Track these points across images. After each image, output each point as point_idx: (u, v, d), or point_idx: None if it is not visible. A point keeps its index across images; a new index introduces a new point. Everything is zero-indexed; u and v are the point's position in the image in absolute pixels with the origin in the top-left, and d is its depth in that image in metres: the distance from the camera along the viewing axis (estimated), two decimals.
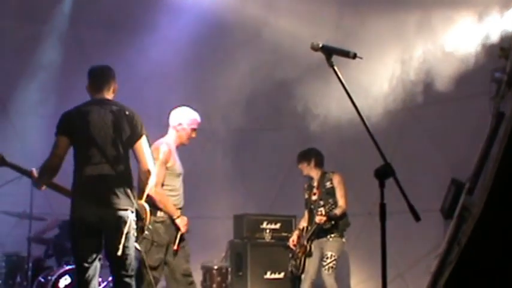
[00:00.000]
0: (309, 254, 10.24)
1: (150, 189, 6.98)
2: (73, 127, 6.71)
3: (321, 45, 4.86)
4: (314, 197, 10.37)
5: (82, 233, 6.62)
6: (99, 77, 6.99)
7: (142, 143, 6.78)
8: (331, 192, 10.23)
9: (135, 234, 6.73)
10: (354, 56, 4.84)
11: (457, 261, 11.00)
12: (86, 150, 6.66)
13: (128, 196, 6.65)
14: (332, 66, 4.80)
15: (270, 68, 11.70)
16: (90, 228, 6.58)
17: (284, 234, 11.40)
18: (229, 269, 11.58)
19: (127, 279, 6.69)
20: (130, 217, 6.59)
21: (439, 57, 10.74)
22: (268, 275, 11.05)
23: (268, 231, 11.38)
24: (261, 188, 13.46)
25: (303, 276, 10.52)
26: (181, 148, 11.05)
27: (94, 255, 6.66)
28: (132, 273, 6.73)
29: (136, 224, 6.75)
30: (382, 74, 11.01)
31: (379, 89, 10.89)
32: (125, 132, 6.72)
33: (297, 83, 11.41)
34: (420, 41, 10.83)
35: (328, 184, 10.28)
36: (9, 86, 12.22)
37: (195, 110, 12.10)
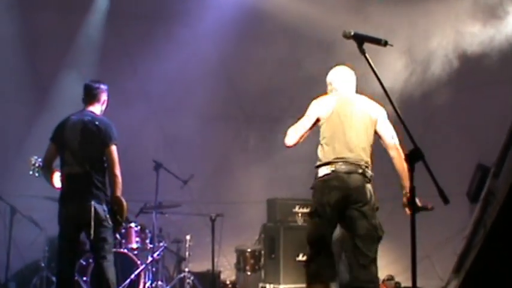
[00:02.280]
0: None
1: (119, 188, 7.32)
2: (57, 134, 7.49)
3: (352, 33, 4.73)
4: None
5: (64, 222, 7.37)
6: (86, 92, 7.67)
7: (111, 152, 7.33)
8: None
9: (109, 222, 7.25)
10: (385, 44, 4.72)
11: (483, 243, 10.89)
12: (62, 153, 7.43)
13: (96, 191, 7.23)
14: (364, 53, 4.66)
15: (300, 58, 11.58)
16: (70, 219, 7.30)
17: None
18: (263, 252, 11.52)
19: (101, 261, 7.25)
20: (98, 208, 7.16)
21: (466, 45, 10.60)
22: (300, 257, 10.94)
23: (300, 214, 11.28)
24: (293, 173, 13.36)
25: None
26: (215, 135, 11.07)
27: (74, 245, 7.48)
28: (107, 255, 7.29)
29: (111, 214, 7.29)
30: (410, 62, 10.88)
31: (407, 76, 10.76)
32: (91, 139, 7.32)
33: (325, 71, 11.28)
34: (448, 29, 10.67)
35: None
36: (51, 75, 12.19)
37: (228, 98, 12.12)
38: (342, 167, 6.51)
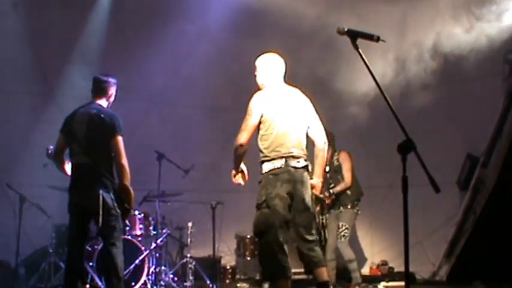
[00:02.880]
0: (325, 226, 10.37)
1: (127, 178, 7.37)
2: (66, 125, 7.60)
3: (346, 29, 4.84)
4: (327, 175, 10.43)
5: (73, 210, 7.44)
6: (95, 85, 7.77)
7: (117, 142, 7.38)
8: (338, 170, 10.32)
9: (117, 210, 7.30)
10: (378, 39, 4.82)
11: (472, 230, 11.08)
12: (70, 144, 7.53)
13: (103, 180, 7.30)
14: (357, 48, 4.78)
15: (299, 54, 11.69)
16: (79, 208, 7.38)
17: None
18: None
19: (111, 248, 7.30)
20: (106, 197, 7.23)
21: (455, 39, 10.72)
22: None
23: None
24: None
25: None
26: (214, 126, 11.17)
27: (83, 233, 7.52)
28: (117, 242, 7.33)
29: (119, 202, 7.36)
30: (400, 56, 11.00)
31: (398, 69, 10.89)
32: (97, 130, 7.39)
33: (329, 66, 11.41)
34: (437, 23, 10.80)
35: (335, 162, 10.36)
36: (55, 71, 12.33)
37: (227, 91, 12.20)
38: (290, 162, 6.79)
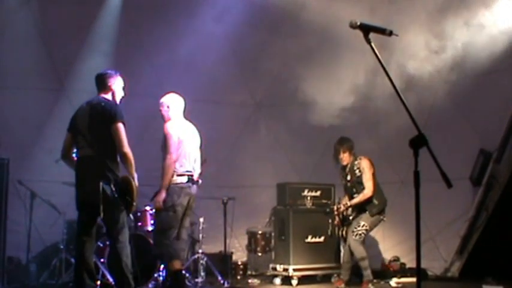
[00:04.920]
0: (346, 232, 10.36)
1: (131, 166, 7.36)
2: (71, 123, 7.69)
3: (359, 23, 4.76)
4: (348, 184, 10.36)
5: (79, 205, 7.54)
6: (96, 81, 7.84)
7: (117, 128, 7.33)
8: (360, 181, 10.19)
9: (118, 202, 7.30)
10: (390, 33, 4.74)
11: (485, 226, 10.99)
12: (76, 139, 7.59)
13: (106, 172, 7.28)
14: (370, 43, 4.70)
15: (309, 47, 11.60)
16: (83, 201, 7.45)
17: (324, 201, 11.36)
18: (273, 234, 11.63)
19: (114, 243, 7.39)
20: (106, 189, 7.21)
21: (469, 32, 10.61)
22: (309, 239, 11.03)
23: (309, 198, 11.34)
24: (302, 159, 13.44)
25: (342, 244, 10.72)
26: (226, 121, 11.15)
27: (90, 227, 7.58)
28: (119, 237, 7.36)
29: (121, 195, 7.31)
30: (413, 50, 10.89)
31: (411, 64, 10.78)
32: (98, 119, 7.42)
33: (336, 61, 11.31)
34: (450, 18, 10.68)
35: (357, 172, 10.23)
36: (66, 65, 12.29)
37: (239, 86, 12.16)
38: (191, 179, 8.49)
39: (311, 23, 11.19)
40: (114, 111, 7.35)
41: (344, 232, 10.42)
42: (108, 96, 7.69)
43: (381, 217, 10.23)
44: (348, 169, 10.38)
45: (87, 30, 12.34)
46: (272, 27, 12.67)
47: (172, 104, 8.78)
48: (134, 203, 7.40)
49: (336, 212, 10.47)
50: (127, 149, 7.27)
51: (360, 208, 10.20)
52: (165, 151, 8.29)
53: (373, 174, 10.17)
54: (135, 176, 7.34)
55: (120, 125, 7.31)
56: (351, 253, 10.17)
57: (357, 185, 10.21)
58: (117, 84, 7.79)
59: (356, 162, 10.26)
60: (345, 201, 10.45)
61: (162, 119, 8.76)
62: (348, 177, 10.33)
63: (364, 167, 10.17)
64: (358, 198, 10.11)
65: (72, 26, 12.05)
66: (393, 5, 10.37)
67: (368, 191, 10.05)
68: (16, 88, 11.69)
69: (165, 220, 8.29)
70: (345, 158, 10.37)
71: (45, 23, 12.01)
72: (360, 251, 10.07)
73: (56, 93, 12.20)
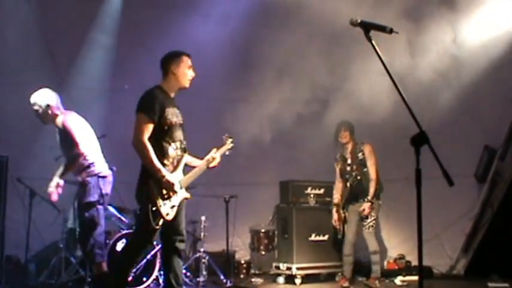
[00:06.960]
0: (345, 221, 10.32)
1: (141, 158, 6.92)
2: None
3: (359, 21, 4.81)
4: (348, 168, 10.35)
5: None
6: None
7: (136, 120, 6.95)
8: (363, 164, 10.27)
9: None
10: (391, 31, 4.77)
11: (490, 223, 10.96)
12: None
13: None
14: (370, 40, 4.74)
15: (312, 46, 11.57)
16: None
17: (327, 199, 11.34)
18: (276, 232, 11.62)
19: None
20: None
21: (472, 28, 10.59)
22: (312, 237, 11.03)
23: (312, 196, 11.34)
24: (305, 157, 13.40)
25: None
26: (229, 119, 11.08)
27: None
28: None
29: None
30: (416, 47, 10.86)
31: (414, 60, 10.75)
32: None
33: (339, 59, 11.27)
34: (453, 15, 10.65)
35: (360, 155, 10.33)
36: (67, 61, 12.25)
37: (241, 83, 12.12)
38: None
39: (316, 20, 11.20)
40: (139, 102, 7.09)
41: (342, 230, 10.43)
42: (165, 82, 7.60)
43: (380, 202, 10.35)
44: (348, 152, 10.42)
45: (88, 26, 12.33)
46: (276, 24, 12.63)
47: (52, 101, 9.13)
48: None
49: (335, 208, 10.47)
50: (137, 140, 6.82)
51: (355, 197, 10.32)
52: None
53: (376, 160, 10.36)
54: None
55: (139, 116, 6.93)
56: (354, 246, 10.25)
57: (359, 166, 10.29)
58: (173, 65, 7.62)
59: (360, 147, 10.42)
60: (336, 194, 10.54)
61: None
62: (349, 161, 10.36)
63: (370, 151, 10.34)
64: (373, 188, 10.17)
65: (72, 22, 12.02)
66: None
67: (374, 176, 10.19)
68: (16, 84, 11.65)
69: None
70: (345, 136, 10.49)
71: (46, 18, 11.99)
72: (373, 244, 10.20)
73: (57, 88, 12.14)
